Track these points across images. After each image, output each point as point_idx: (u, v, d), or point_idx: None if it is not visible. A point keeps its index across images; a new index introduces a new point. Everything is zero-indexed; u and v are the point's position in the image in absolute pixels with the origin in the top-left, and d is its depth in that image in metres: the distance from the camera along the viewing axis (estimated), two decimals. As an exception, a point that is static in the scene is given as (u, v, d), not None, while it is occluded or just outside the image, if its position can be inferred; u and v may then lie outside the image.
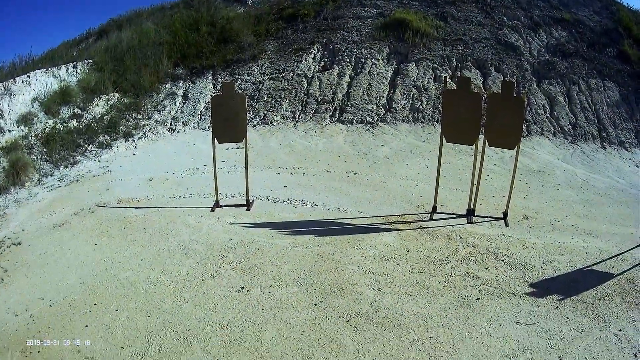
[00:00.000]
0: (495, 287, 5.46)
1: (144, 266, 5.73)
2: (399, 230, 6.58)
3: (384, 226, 6.73)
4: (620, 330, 5.08)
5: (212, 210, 7.16)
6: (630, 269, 6.30)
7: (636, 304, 5.59)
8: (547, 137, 11.07)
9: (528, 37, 13.90)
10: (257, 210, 7.23)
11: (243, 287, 5.23)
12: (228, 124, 7.19)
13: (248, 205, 7.23)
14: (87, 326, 4.73)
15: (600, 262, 6.42)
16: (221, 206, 7.24)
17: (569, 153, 10.45)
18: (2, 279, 5.59)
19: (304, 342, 4.45)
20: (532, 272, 5.89)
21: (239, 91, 10.78)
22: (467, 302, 5.18)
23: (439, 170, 7.05)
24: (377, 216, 7.04)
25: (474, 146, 6.92)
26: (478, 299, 5.25)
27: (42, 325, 4.76)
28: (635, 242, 6.89)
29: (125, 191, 8.06)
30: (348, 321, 4.77)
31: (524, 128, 10.84)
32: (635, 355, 4.74)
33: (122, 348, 4.39)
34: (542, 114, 11.56)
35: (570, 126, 11.30)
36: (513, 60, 12.95)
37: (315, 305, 4.96)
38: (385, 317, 4.85)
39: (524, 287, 5.58)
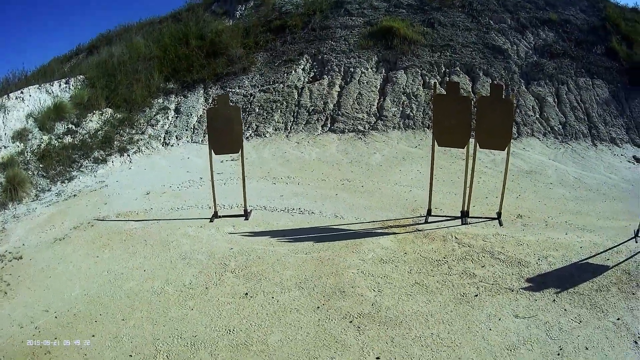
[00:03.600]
0: (492, 284, 5.59)
1: (147, 276, 5.80)
2: (395, 233, 6.71)
3: (380, 230, 6.84)
4: (618, 319, 5.22)
5: (211, 221, 7.25)
6: (626, 260, 6.47)
7: (633, 294, 5.75)
8: (538, 138, 11.22)
9: (515, 40, 14.09)
10: (255, 219, 7.32)
11: (247, 293, 5.32)
12: (224, 135, 7.30)
13: (246, 215, 7.32)
14: (94, 336, 4.78)
15: (595, 255, 6.57)
16: (220, 217, 7.33)
17: (560, 152, 10.63)
18: (6, 293, 5.64)
19: (309, 344, 4.54)
20: (527, 268, 6.03)
21: (233, 103, 10.86)
22: (465, 299, 5.30)
23: (432, 174, 7.19)
24: (374, 221, 7.16)
25: (465, 149, 7.06)
26: (476, 295, 5.37)
27: (49, 336, 4.80)
28: (630, 234, 7.04)
29: (123, 205, 8.13)
30: (351, 322, 4.87)
31: (514, 130, 11.00)
32: (636, 342, 4.89)
33: (131, 356, 4.45)
34: (531, 115, 11.72)
35: (560, 126, 11.47)
36: (501, 64, 13.10)
37: (318, 307, 5.06)
38: (386, 316, 4.95)
39: (520, 283, 5.72)
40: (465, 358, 4.50)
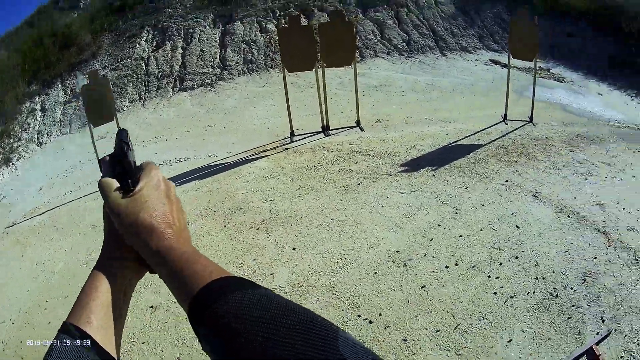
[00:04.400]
0: (370, 174, 6.55)
1: (70, 253, 6.24)
2: (267, 156, 7.63)
3: (254, 157, 7.71)
4: (507, 181, 6.30)
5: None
6: (499, 138, 7.55)
7: (515, 161, 6.84)
8: (382, 57, 12.23)
9: None
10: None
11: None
12: (98, 107, 7.89)
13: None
14: (49, 322, 5.00)
15: (463, 138, 7.56)
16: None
17: (408, 65, 11.79)
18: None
19: (230, 254, 5.33)
20: (398, 156, 6.99)
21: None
22: (350, 188, 6.26)
23: (287, 97, 7.99)
24: (245, 151, 7.99)
25: (314, 73, 7.93)
26: (359, 184, 6.31)
27: (17, 342, 4.94)
28: (498, 119, 8.16)
29: (25, 206, 8.38)
30: (258, 229, 5.74)
31: (357, 54, 11.82)
32: (535, 196, 6.03)
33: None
34: (372, 39, 12.67)
35: (404, 43, 12.57)
36: None
37: (225, 226, 5.89)
38: (286, 216, 5.85)
39: (396, 168, 6.66)
40: (369, 231, 5.39)
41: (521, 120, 8.45)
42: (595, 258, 5.22)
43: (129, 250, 0.86)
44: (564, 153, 7.43)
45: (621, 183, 6.79)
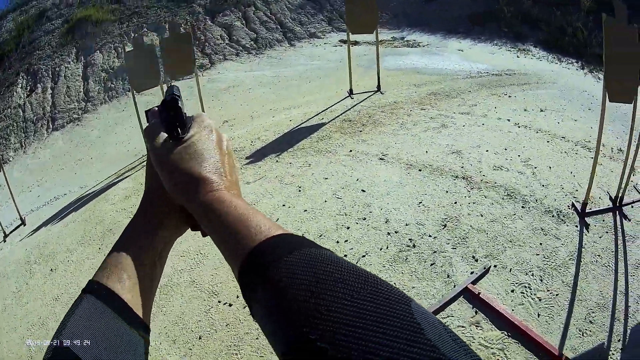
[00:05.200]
0: None
1: None
2: (129, 175, 7.92)
3: (118, 179, 7.96)
4: (350, 151, 6.69)
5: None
6: (344, 112, 7.81)
7: (360, 131, 7.19)
8: (231, 60, 12.66)
9: None
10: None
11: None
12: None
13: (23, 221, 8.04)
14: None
15: (307, 120, 7.81)
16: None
17: (256, 63, 12.32)
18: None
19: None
20: (244, 151, 7.37)
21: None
22: None
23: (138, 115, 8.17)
24: (110, 176, 8.20)
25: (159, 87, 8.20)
26: None
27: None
28: (343, 96, 8.40)
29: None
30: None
31: (207, 61, 12.30)
32: (382, 159, 6.24)
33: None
34: (221, 43, 13.09)
35: (252, 42, 13.03)
36: (185, 10, 14.15)
37: (100, 248, 6.16)
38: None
39: (241, 162, 6.94)
40: None
41: (368, 92, 8.74)
42: (456, 203, 5.44)
43: (171, 204, 0.82)
44: (414, 113, 7.65)
45: (483, 127, 7.14)
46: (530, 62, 11.52)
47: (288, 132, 7.77)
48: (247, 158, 7.18)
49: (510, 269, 4.49)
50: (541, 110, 8.02)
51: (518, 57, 11.88)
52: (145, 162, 0.86)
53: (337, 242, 5.03)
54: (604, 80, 5.20)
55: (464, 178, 5.83)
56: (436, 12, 14.36)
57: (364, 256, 4.81)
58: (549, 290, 4.38)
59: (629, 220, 5.47)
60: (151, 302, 0.78)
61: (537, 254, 4.78)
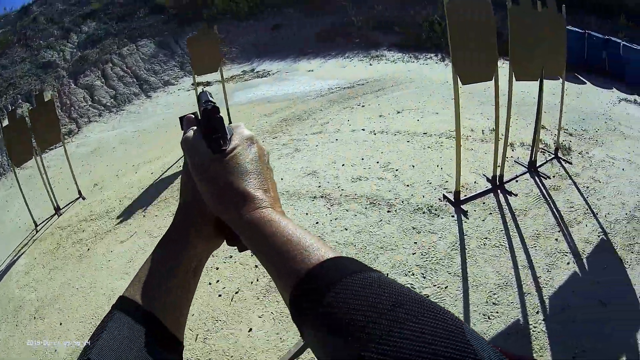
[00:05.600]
0: (95, 236, 6.63)
1: None
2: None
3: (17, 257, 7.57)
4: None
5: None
6: None
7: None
8: (95, 121, 12.62)
9: (61, 47, 15.07)
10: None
11: None
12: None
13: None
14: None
15: (167, 170, 7.77)
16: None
17: (117, 120, 12.39)
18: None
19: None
20: (114, 211, 7.19)
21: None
22: (83, 255, 6.24)
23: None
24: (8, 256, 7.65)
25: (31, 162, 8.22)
26: (88, 249, 6.35)
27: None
28: None
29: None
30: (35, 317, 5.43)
31: (75, 126, 12.19)
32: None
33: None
34: (84, 105, 13.03)
35: (112, 100, 13.18)
36: (52, 75, 14.17)
37: (17, 325, 5.64)
38: (53, 298, 5.60)
39: (113, 222, 6.85)
40: (102, 292, 5.32)
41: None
42: (317, 223, 5.34)
43: (208, 218, 0.80)
44: (266, 143, 7.29)
45: (337, 143, 7.05)
46: (385, 66, 11.64)
47: (151, 184, 7.67)
48: (117, 217, 7.03)
49: (387, 274, 4.17)
50: (398, 112, 8.14)
51: (371, 64, 12.09)
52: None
53: (210, 283, 4.98)
54: (452, 66, 5.11)
55: (322, 197, 5.72)
56: (284, 37, 14.51)
57: (236, 293, 4.74)
58: (435, 285, 4.28)
59: (516, 195, 5.45)
60: (185, 313, 0.78)
61: (414, 253, 4.69)
